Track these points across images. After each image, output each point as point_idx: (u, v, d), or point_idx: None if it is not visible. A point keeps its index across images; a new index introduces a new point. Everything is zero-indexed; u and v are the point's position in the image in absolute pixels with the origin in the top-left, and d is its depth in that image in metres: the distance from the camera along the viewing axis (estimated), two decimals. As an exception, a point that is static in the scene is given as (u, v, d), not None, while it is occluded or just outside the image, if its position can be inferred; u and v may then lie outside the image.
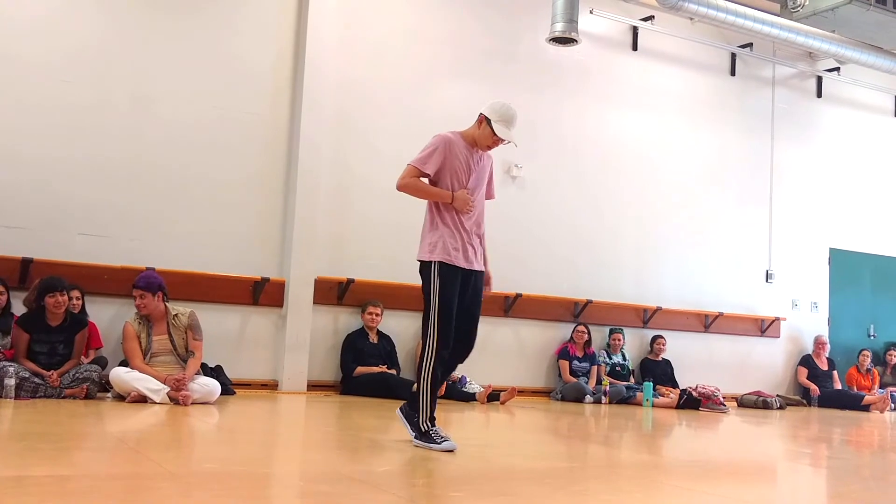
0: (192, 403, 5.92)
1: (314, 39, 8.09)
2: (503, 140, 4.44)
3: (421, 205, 8.65)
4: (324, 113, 8.12)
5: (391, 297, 8.29)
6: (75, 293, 6.61)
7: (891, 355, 11.08)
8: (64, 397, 5.99)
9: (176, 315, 6.37)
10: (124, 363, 6.42)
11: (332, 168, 8.19)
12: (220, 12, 7.87)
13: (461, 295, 4.43)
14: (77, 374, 6.12)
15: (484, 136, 4.46)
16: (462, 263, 4.41)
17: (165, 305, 6.37)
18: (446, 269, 4.35)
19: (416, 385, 4.42)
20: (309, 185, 7.96)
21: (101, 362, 6.60)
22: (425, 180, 4.47)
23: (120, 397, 6.06)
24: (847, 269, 11.39)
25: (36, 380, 5.95)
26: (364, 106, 8.43)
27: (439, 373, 4.36)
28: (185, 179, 7.60)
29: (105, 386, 6.35)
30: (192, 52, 7.71)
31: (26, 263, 6.81)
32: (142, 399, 5.93)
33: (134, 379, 6.00)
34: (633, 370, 9.56)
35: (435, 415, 4.36)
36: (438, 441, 4.23)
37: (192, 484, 3.06)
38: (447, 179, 4.44)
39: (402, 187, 4.44)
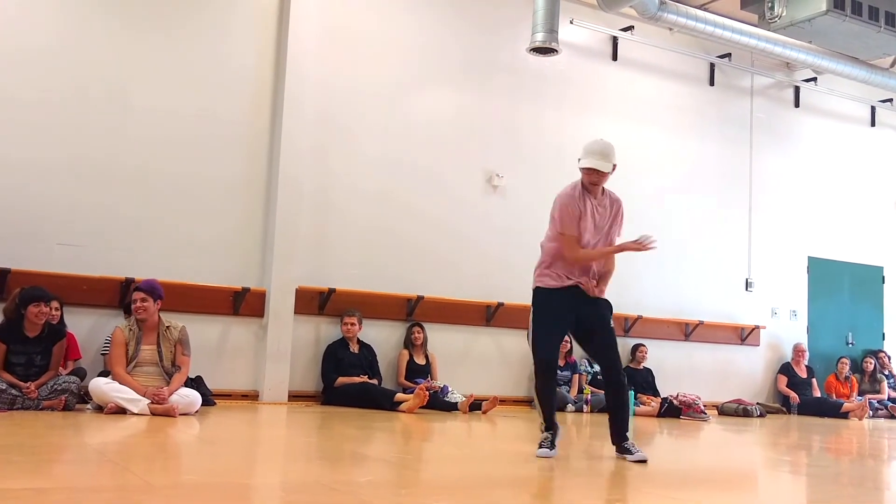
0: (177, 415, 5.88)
1: (295, 43, 8.06)
2: (592, 170, 4.70)
3: (400, 212, 8.63)
4: (305, 117, 8.10)
5: (372, 306, 8.27)
6: (55, 304, 6.55)
7: (867, 363, 11.18)
8: (42, 409, 5.93)
9: (168, 327, 6.34)
10: (104, 374, 6.37)
11: (314, 174, 8.16)
12: (201, 15, 7.85)
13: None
14: (55, 386, 6.06)
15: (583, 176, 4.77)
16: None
17: (159, 316, 6.34)
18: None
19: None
20: (290, 192, 7.94)
21: (80, 373, 6.54)
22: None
23: (100, 408, 6.00)
24: (825, 277, 11.48)
25: (13, 391, 5.88)
26: (346, 111, 8.42)
27: (540, 385, 4.73)
28: (164, 186, 7.55)
29: (84, 397, 6.29)
30: (173, 56, 7.67)
31: (4, 274, 6.74)
32: (121, 410, 5.87)
33: (113, 390, 5.94)
34: (614, 379, 9.58)
35: (552, 423, 4.62)
36: (539, 446, 4.53)
37: (173, 496, 3.04)
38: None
39: (575, 260, 4.78)
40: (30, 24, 7.15)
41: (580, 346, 5.08)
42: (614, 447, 4.71)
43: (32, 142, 7.08)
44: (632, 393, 8.77)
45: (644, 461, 4.48)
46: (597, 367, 9.38)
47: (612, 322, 4.80)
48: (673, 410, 8.63)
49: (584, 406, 8.69)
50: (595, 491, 3.75)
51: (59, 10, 7.30)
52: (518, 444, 5.72)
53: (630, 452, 4.56)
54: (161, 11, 7.68)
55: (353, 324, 8.00)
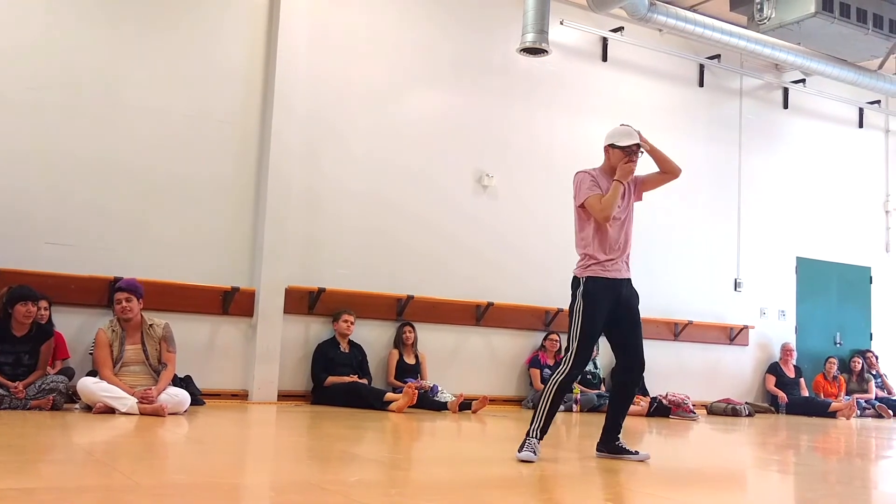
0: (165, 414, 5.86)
1: (286, 41, 8.05)
2: (633, 151, 4.80)
3: (390, 211, 8.61)
4: (295, 116, 8.08)
5: (363, 305, 8.26)
6: (43, 303, 6.52)
7: (855, 362, 11.24)
8: (30, 409, 5.90)
9: (151, 325, 6.33)
10: (92, 373, 6.35)
11: (304, 173, 8.15)
12: (191, 14, 7.82)
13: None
14: (43, 385, 6.03)
15: (616, 158, 4.85)
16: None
17: (142, 314, 6.33)
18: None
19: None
20: (280, 191, 7.93)
21: (68, 373, 6.51)
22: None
23: (88, 408, 5.98)
24: (814, 277, 11.54)
25: (0, 391, 5.85)
26: (336, 110, 8.41)
27: (559, 392, 4.48)
28: (154, 186, 7.53)
29: (72, 397, 6.26)
30: (163, 54, 7.65)
31: (-8, 273, 6.72)
32: (109, 410, 5.85)
33: (101, 390, 5.92)
34: (604, 378, 9.60)
35: (544, 434, 4.47)
36: (525, 448, 4.33)
37: (161, 496, 3.03)
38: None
39: (605, 218, 4.81)
40: (19, 21, 7.12)
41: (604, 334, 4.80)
42: (604, 446, 4.69)
43: (21, 140, 7.04)
44: (621, 393, 8.79)
45: (646, 459, 4.53)
46: (586, 367, 9.40)
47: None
48: (662, 410, 8.65)
49: (574, 405, 8.70)
50: (585, 491, 3.75)
51: (50, 8, 7.26)
52: (508, 444, 5.72)
53: (629, 452, 4.60)
54: (151, 10, 7.65)
55: (351, 322, 7.99)
